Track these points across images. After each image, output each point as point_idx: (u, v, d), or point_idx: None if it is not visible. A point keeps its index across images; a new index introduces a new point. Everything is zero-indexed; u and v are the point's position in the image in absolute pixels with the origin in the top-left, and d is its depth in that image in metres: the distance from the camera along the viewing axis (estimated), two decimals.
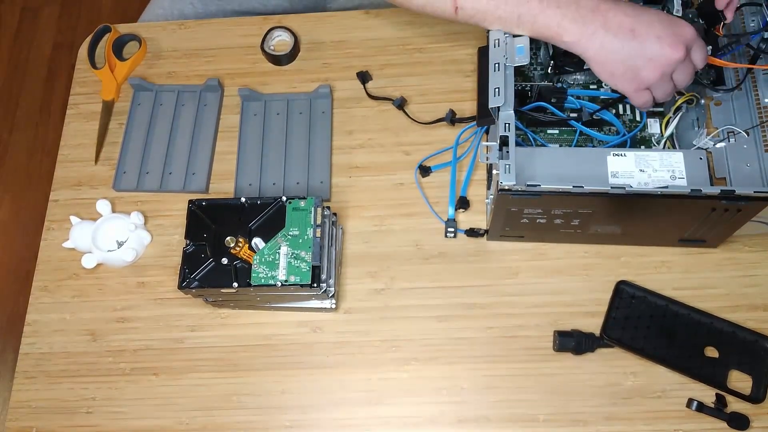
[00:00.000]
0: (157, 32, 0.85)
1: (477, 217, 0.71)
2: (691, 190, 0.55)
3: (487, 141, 0.70)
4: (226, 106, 0.80)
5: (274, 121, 0.78)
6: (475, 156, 0.73)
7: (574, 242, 0.69)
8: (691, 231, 0.63)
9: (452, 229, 0.70)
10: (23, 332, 0.71)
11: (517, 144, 0.58)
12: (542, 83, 0.66)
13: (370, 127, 0.77)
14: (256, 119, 0.78)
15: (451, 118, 0.74)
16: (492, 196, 0.62)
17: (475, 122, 0.72)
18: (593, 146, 0.62)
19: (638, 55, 0.55)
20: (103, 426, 0.67)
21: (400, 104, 0.75)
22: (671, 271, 0.67)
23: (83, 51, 0.84)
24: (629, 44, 0.54)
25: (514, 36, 0.59)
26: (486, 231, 0.69)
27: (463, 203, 0.71)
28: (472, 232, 0.70)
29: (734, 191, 0.54)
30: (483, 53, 0.63)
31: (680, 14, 0.63)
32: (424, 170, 0.73)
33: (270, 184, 0.75)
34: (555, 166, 0.58)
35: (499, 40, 0.61)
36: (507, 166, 0.56)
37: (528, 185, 0.56)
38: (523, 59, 0.60)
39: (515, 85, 0.65)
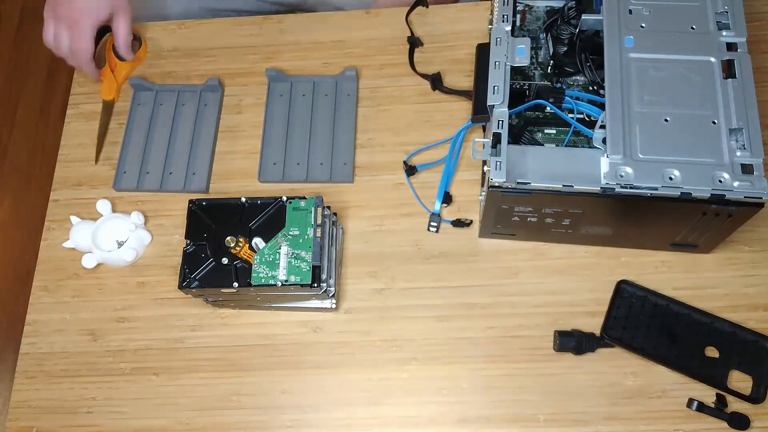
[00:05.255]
0: (158, 32, 0.85)
1: (466, 215, 0.71)
2: (681, 193, 0.55)
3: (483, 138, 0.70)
4: (226, 105, 0.80)
5: (299, 102, 0.79)
6: (458, 153, 0.73)
7: (565, 242, 0.69)
8: (683, 235, 0.63)
9: (435, 224, 0.70)
10: (23, 332, 0.71)
11: (511, 142, 0.58)
12: (541, 82, 0.66)
13: (371, 127, 0.77)
14: (282, 100, 0.79)
15: (434, 81, 0.76)
16: (484, 193, 0.63)
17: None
18: (588, 147, 0.62)
19: None
20: (104, 426, 0.67)
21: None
22: (672, 271, 0.67)
23: None
24: None
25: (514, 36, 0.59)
26: (470, 221, 0.70)
27: (446, 198, 0.71)
28: (458, 223, 0.70)
29: (724, 195, 0.54)
30: (482, 50, 0.63)
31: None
32: (411, 170, 0.73)
33: (294, 164, 0.75)
34: (547, 165, 0.58)
35: (500, 38, 0.61)
36: (498, 163, 0.56)
37: (518, 183, 0.56)
38: (524, 60, 0.60)
39: (514, 84, 0.65)
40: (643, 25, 0.61)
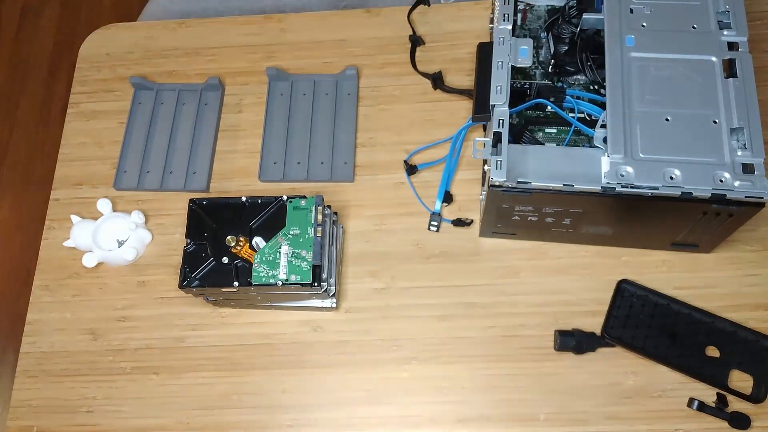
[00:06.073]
0: (158, 31, 0.85)
1: (466, 215, 0.71)
2: (682, 192, 0.55)
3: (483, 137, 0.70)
4: (226, 105, 0.80)
5: (300, 101, 0.79)
6: (459, 152, 0.73)
7: (566, 242, 0.69)
8: (683, 235, 0.63)
9: (435, 223, 0.70)
10: (24, 331, 0.71)
11: (511, 141, 0.58)
12: (542, 82, 0.66)
13: (371, 126, 0.77)
14: (283, 99, 0.79)
15: (435, 80, 0.76)
16: (485, 193, 0.63)
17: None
18: (589, 146, 0.62)
19: None
20: (104, 425, 0.67)
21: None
22: (672, 271, 0.67)
23: (84, 50, 0.84)
24: None
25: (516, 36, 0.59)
26: (471, 221, 0.70)
27: (446, 198, 0.72)
28: (459, 222, 0.70)
29: (725, 195, 0.54)
30: (483, 49, 0.63)
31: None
32: (411, 169, 0.73)
33: (295, 163, 0.75)
34: (548, 165, 0.58)
35: (503, 38, 0.61)
36: (498, 162, 0.56)
37: (519, 182, 0.56)
38: (526, 61, 0.60)
39: (515, 83, 0.65)
40: (644, 24, 0.61)
